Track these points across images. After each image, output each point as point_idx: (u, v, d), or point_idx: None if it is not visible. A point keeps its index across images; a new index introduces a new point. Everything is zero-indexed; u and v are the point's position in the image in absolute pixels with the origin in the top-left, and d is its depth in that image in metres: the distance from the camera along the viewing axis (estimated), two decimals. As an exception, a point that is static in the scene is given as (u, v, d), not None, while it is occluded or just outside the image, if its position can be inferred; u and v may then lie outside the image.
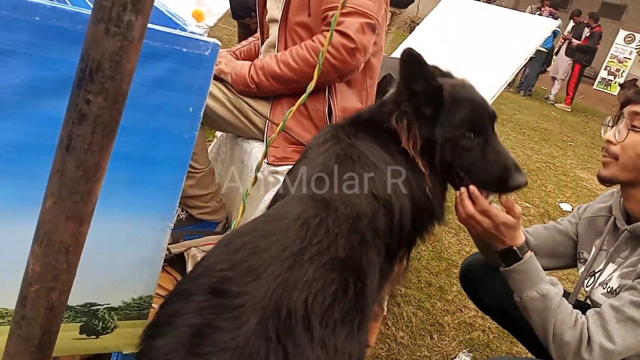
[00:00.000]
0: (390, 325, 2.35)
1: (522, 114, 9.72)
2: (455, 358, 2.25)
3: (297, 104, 1.63)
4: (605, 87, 19.88)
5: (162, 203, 1.31)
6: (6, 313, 1.29)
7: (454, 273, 3.08)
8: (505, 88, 9.15)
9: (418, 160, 1.42)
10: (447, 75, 1.60)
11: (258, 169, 1.63)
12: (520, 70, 2.30)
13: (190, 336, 0.97)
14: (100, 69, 0.82)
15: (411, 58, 1.43)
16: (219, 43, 1.22)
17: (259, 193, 2.04)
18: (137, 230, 1.32)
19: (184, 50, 1.17)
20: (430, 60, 2.71)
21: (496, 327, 2.58)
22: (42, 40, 1.06)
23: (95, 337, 1.41)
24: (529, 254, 1.54)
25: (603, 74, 20.22)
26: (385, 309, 2.37)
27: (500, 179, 1.45)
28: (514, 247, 1.52)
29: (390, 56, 3.09)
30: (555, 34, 12.14)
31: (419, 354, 2.21)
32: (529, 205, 4.67)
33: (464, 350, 2.31)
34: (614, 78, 19.88)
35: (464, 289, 2.02)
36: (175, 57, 1.17)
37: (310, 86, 1.61)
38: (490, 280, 1.85)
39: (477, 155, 1.45)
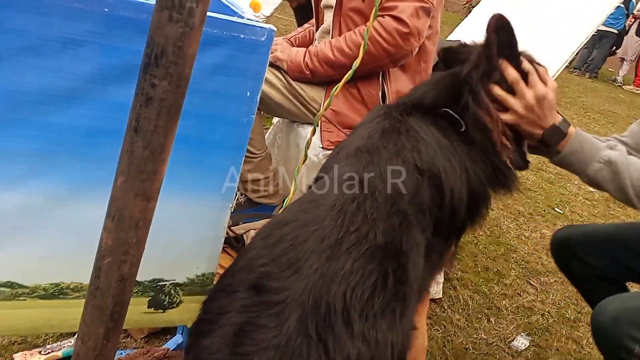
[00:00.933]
0: (446, 307, 2.35)
1: (587, 97, 9.34)
2: (512, 341, 2.22)
3: (341, 82, 1.64)
4: (679, 67, 18.74)
5: (221, 184, 1.37)
6: (81, 287, 1.39)
7: (512, 258, 3.03)
8: (569, 70, 8.79)
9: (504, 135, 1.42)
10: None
11: (307, 146, 1.66)
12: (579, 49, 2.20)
13: (233, 335, 0.98)
14: (164, 54, 0.88)
15: (503, 27, 1.38)
16: (275, 29, 1.25)
17: (313, 177, 2.08)
18: (198, 210, 1.38)
19: (241, 36, 1.22)
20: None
21: (556, 311, 2.54)
22: (110, 30, 1.13)
23: (162, 311, 1.50)
24: (573, 128, 1.48)
25: (676, 53, 19.05)
26: (441, 292, 2.38)
27: None
28: (556, 124, 1.46)
29: (446, 39, 3.06)
30: (628, 12, 11.56)
31: (475, 336, 2.20)
32: (593, 190, 4.51)
33: (522, 333, 2.29)
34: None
35: (558, 256, 1.95)
36: (233, 43, 1.22)
37: (355, 64, 1.62)
38: (592, 246, 1.83)
39: None
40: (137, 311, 1.47)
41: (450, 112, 1.41)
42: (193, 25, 0.85)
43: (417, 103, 1.48)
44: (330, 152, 2.09)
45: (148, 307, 1.48)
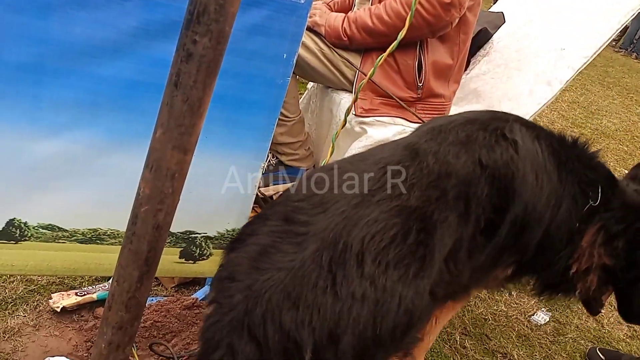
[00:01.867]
0: (468, 281, 2.37)
1: (631, 78, 9.02)
2: (533, 315, 2.24)
3: (387, 51, 1.64)
4: None
5: (254, 144, 1.41)
6: (117, 234, 1.46)
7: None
8: (614, 49, 8.43)
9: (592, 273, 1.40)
10: None
11: (348, 112, 1.67)
12: (624, 27, 2.12)
13: (257, 253, 1.09)
14: (206, 11, 0.90)
15: None
16: (314, -9, 1.26)
17: (346, 143, 2.11)
18: (231, 168, 1.43)
19: (281, -2, 1.24)
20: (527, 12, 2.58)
21: (580, 291, 2.54)
22: (154, -14, 1.16)
23: (192, 262, 1.56)
24: None
25: None
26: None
27: None
28: None
29: (489, 10, 3.00)
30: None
31: (495, 307, 2.22)
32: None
33: (543, 309, 2.30)
34: None
35: None
36: (273, 4, 1.24)
37: (401, 34, 1.62)
38: None
39: None
40: (169, 261, 1.54)
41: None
42: (236, -16, 0.87)
43: (545, 131, 1.43)
44: (362, 118, 2.11)
45: (180, 258, 1.55)
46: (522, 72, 2.31)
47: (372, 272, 1.05)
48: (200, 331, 1.17)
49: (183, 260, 1.55)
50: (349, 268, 1.04)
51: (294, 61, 1.31)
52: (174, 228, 1.49)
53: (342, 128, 1.66)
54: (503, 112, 1.45)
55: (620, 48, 11.88)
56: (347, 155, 2.03)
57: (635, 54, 11.80)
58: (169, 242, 1.49)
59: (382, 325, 1.05)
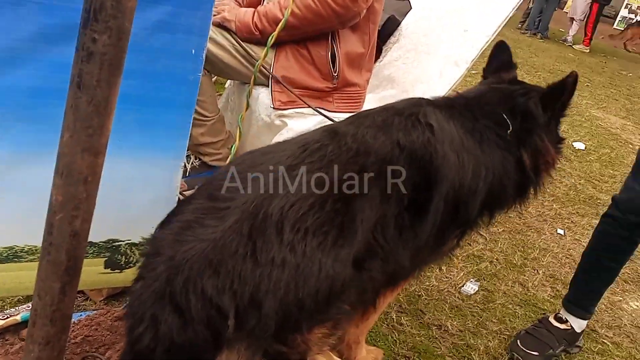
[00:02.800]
0: (400, 261, 2.44)
1: (538, 57, 9.54)
2: (462, 287, 2.34)
3: (277, 30, 1.67)
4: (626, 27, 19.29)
5: (171, 143, 1.39)
6: (36, 250, 1.40)
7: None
8: (521, 31, 8.87)
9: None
10: None
11: (249, 94, 1.69)
12: (522, 7, 2.25)
13: (181, 229, 1.12)
14: (103, 8, 0.89)
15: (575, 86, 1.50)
16: (217, -15, 1.26)
17: (268, 137, 2.11)
18: (150, 170, 1.40)
19: (184, -7, 1.23)
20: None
21: (504, 258, 2.66)
22: (49, -11, 1.12)
23: (119, 271, 1.53)
24: None
25: (623, 12, 19.56)
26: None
27: None
28: None
29: (396, -1, 3.08)
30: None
31: (427, 283, 2.30)
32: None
33: (472, 279, 2.40)
34: (635, 16, 19.26)
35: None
36: (175, 0, 1.23)
37: (287, 12, 1.65)
38: None
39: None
40: (94, 272, 1.50)
41: (504, 115, 1.48)
42: (130, -22, 0.86)
43: (455, 101, 1.54)
44: (281, 111, 2.12)
45: (105, 268, 1.50)
46: (431, 55, 2.40)
47: (291, 238, 1.08)
48: (125, 308, 1.17)
49: (109, 270, 1.51)
50: (268, 235, 1.08)
51: (204, 56, 1.31)
52: (96, 237, 1.45)
53: (246, 111, 1.69)
54: (418, 98, 1.51)
55: (525, 30, 12.53)
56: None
57: (540, 34, 12.47)
58: (91, 253, 1.44)
59: (303, 290, 1.08)
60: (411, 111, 1.39)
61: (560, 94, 1.48)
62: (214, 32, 2.07)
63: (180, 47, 1.28)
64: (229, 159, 1.48)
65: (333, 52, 2.14)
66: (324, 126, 1.40)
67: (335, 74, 2.15)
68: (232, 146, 1.65)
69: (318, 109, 2.11)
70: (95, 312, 1.69)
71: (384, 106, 1.47)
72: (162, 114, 1.33)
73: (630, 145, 5.27)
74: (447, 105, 1.48)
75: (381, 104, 2.32)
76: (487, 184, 1.40)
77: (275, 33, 1.77)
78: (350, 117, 1.44)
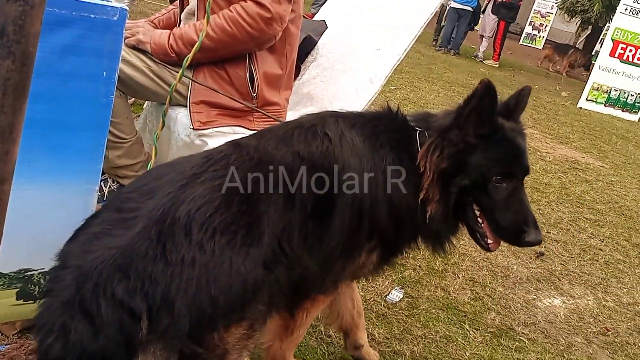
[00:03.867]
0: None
1: (452, 72, 10.02)
2: (388, 295, 2.41)
3: (192, 50, 1.72)
4: (530, 42, 20.62)
5: (85, 167, 1.36)
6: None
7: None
8: (435, 48, 9.26)
9: (432, 183, 1.43)
10: (512, 113, 1.57)
11: (164, 113, 1.71)
12: (432, 25, 2.40)
13: (87, 240, 1.13)
14: (4, 33, 0.87)
15: (488, 92, 1.42)
16: (127, 8, 1.26)
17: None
18: (63, 196, 1.37)
19: (92, 16, 1.22)
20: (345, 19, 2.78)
21: (426, 264, 2.78)
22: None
23: (33, 301, 1.46)
24: None
25: (528, 29, 20.93)
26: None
27: (517, 230, 1.47)
28: None
29: (313, 19, 3.17)
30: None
31: (353, 295, 2.36)
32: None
33: (396, 287, 2.48)
34: (539, 32, 20.65)
35: None
36: (84, 23, 1.22)
37: (202, 34, 1.68)
38: None
39: (501, 199, 1.45)
40: (6, 304, 1.43)
41: (418, 129, 1.51)
42: (33, 3, 0.85)
43: (359, 116, 1.57)
44: (201, 131, 2.12)
45: (17, 299, 1.44)
46: (347, 73, 2.49)
47: (199, 238, 1.12)
48: (34, 321, 1.14)
49: (22, 301, 1.45)
50: (177, 237, 1.11)
51: (116, 78, 1.30)
52: (6, 268, 1.39)
53: (161, 130, 1.70)
54: (324, 111, 1.59)
55: (439, 47, 13.12)
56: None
57: (453, 50, 13.09)
58: (2, 285, 1.38)
59: (215, 287, 1.10)
60: (312, 123, 1.46)
61: (470, 99, 1.45)
62: (128, 54, 2.05)
63: (90, 69, 1.26)
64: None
65: (251, 72, 2.17)
66: (228, 141, 1.44)
67: (254, 94, 2.18)
68: (148, 164, 1.63)
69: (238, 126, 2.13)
70: (7, 346, 1.61)
71: (287, 122, 1.55)
72: (73, 139, 1.31)
73: (538, 153, 5.63)
74: (354, 116, 1.54)
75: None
76: (385, 191, 1.43)
77: (190, 55, 1.79)
78: (254, 132, 1.53)
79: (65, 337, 1.04)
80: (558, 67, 15.31)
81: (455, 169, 1.44)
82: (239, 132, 2.15)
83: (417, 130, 1.52)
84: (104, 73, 1.28)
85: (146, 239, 1.09)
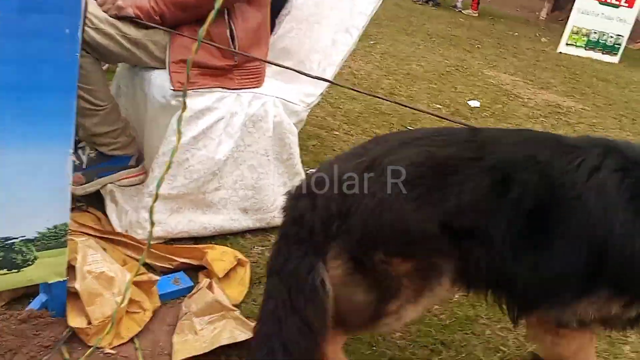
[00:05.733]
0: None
1: (431, 24, 9.88)
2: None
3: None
4: (509, -10, 20.39)
5: (57, 129, 1.32)
6: None
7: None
8: (413, 1, 9.09)
9: None
10: None
11: (179, 122, 1.53)
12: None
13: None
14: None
15: None
16: (85, -39, 1.20)
17: (166, 119, 2.05)
18: (36, 160, 1.33)
19: (50, -29, 1.17)
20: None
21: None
22: None
23: (16, 270, 1.45)
24: None
25: (506, -24, 20.67)
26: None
27: None
28: None
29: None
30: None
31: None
32: (440, 106, 4.88)
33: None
34: (517, -21, 20.40)
35: None
36: (40, -22, 1.16)
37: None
38: None
39: None
40: (-12, 275, 1.41)
41: None
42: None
43: None
44: (180, 92, 2.07)
45: (0, 269, 1.42)
46: (323, 24, 2.44)
47: (384, 179, 1.34)
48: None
49: (5, 270, 1.43)
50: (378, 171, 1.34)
51: (79, 36, 1.25)
52: (-15, 238, 1.37)
53: (178, 142, 1.49)
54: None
55: (418, -1, 12.92)
56: (168, 131, 2.00)
57: (431, 2, 12.90)
58: (-18, 255, 1.36)
59: (383, 218, 1.31)
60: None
61: None
62: (99, 21, 2.00)
63: (52, 28, 1.21)
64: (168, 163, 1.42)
65: (232, 29, 2.13)
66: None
67: (235, 49, 2.13)
68: (156, 181, 1.58)
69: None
70: (-4, 318, 1.60)
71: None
72: (41, 100, 1.26)
73: (520, 99, 5.62)
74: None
75: (280, 76, 2.35)
76: None
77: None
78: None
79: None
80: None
81: None
82: (217, 91, 2.11)
83: None
84: (67, 30, 1.23)
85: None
